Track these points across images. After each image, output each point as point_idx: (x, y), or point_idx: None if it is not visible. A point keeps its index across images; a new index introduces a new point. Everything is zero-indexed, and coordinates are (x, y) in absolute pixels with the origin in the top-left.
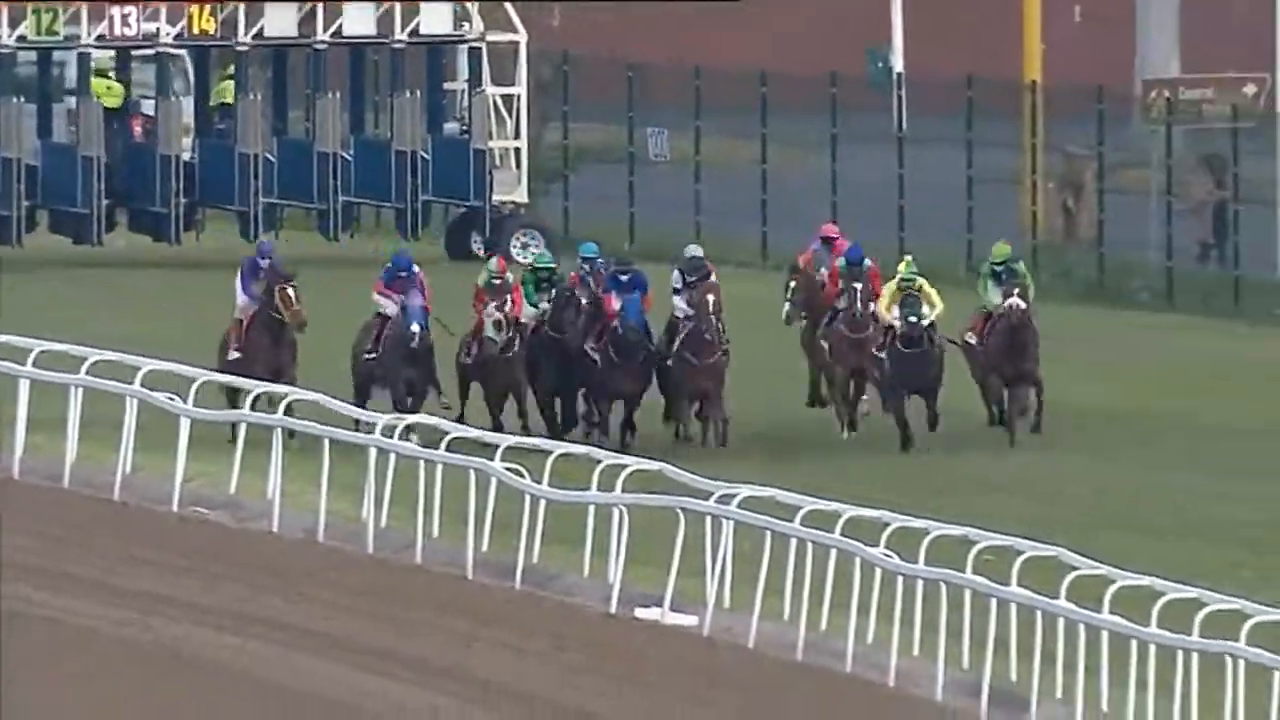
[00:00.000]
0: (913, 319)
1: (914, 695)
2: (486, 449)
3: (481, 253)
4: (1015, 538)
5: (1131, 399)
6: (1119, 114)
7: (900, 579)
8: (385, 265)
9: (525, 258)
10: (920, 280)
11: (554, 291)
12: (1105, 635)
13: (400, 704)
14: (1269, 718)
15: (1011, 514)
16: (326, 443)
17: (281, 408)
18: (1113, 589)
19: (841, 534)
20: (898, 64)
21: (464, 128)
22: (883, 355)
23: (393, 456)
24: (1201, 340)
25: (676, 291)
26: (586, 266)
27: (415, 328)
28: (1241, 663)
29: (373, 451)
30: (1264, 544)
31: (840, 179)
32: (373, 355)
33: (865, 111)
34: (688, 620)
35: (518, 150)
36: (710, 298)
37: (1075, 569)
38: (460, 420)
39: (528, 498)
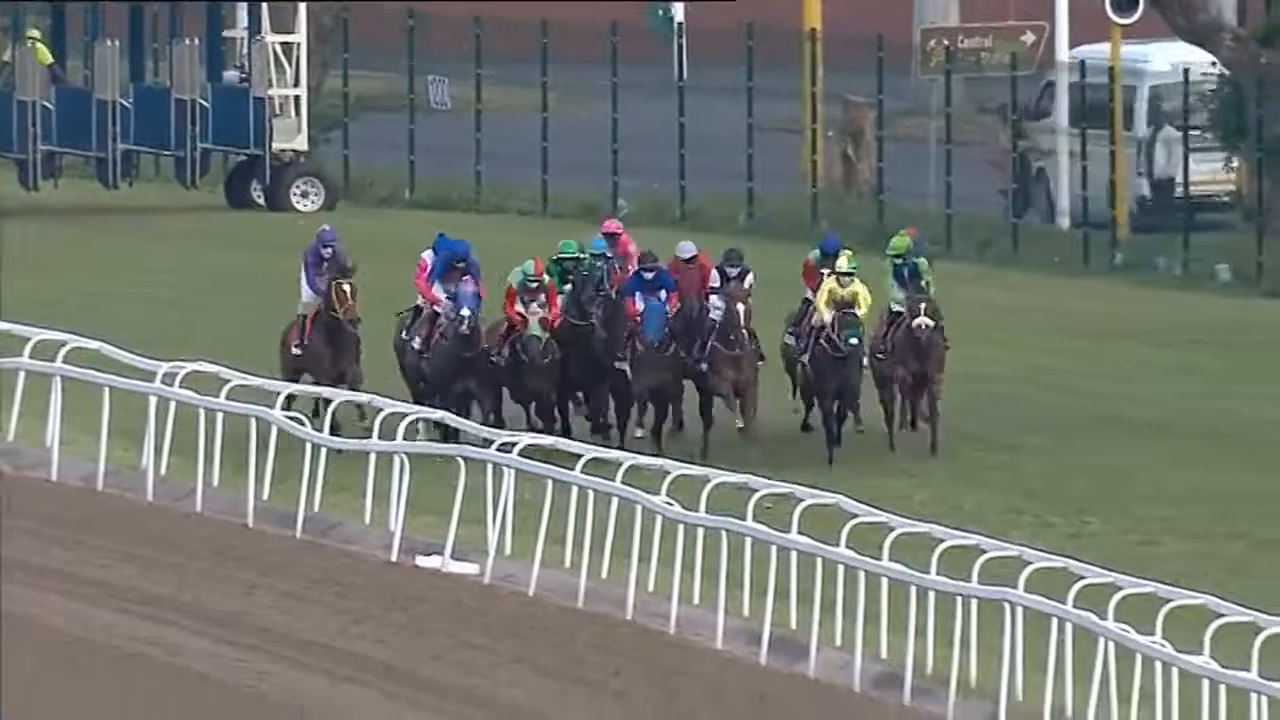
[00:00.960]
0: (853, 340)
1: (694, 643)
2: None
3: (262, 200)
4: (796, 485)
5: None
6: (898, 63)
7: (681, 527)
8: (432, 251)
9: (305, 206)
10: (856, 285)
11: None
12: (885, 582)
13: (180, 651)
14: (1047, 663)
15: (794, 461)
16: (107, 391)
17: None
18: (893, 536)
19: (622, 482)
20: (678, 13)
21: (243, 76)
22: (805, 360)
23: (173, 404)
24: (979, 290)
25: (714, 291)
26: (601, 264)
27: (466, 311)
28: (1020, 609)
29: (153, 400)
30: (1042, 493)
31: (621, 128)
32: (424, 354)
33: (646, 61)
34: (469, 568)
35: (297, 98)
36: (739, 306)
37: (855, 516)
38: (497, 423)
39: (308, 446)
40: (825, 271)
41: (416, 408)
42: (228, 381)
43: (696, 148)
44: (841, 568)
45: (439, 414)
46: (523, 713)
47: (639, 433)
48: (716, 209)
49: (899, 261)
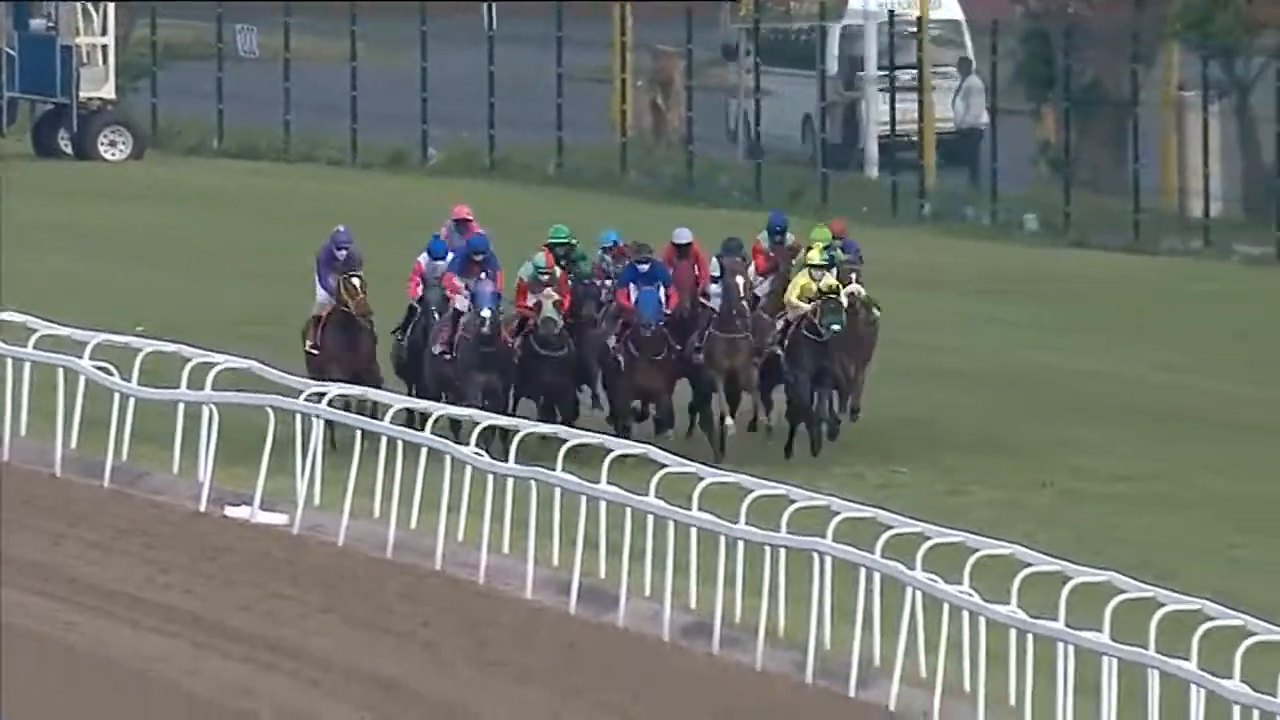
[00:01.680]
0: (835, 327)
1: (503, 592)
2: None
3: (69, 148)
4: (604, 435)
5: None
6: (708, 12)
7: (490, 477)
8: (428, 255)
9: (113, 155)
10: (830, 278)
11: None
12: (694, 532)
13: None
14: (855, 612)
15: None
16: None
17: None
18: (701, 486)
19: (432, 432)
20: None
21: (50, 24)
22: (777, 349)
23: None
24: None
25: (714, 279)
26: (609, 258)
27: (486, 312)
28: (828, 558)
29: None
30: (852, 444)
31: (430, 77)
32: (448, 356)
33: (456, 10)
34: (277, 518)
35: (105, 47)
36: (739, 279)
37: (664, 466)
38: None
39: (117, 396)
40: (770, 252)
41: (423, 404)
42: (35, 331)
43: (506, 97)
44: (651, 518)
45: (468, 411)
46: (332, 662)
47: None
48: (525, 158)
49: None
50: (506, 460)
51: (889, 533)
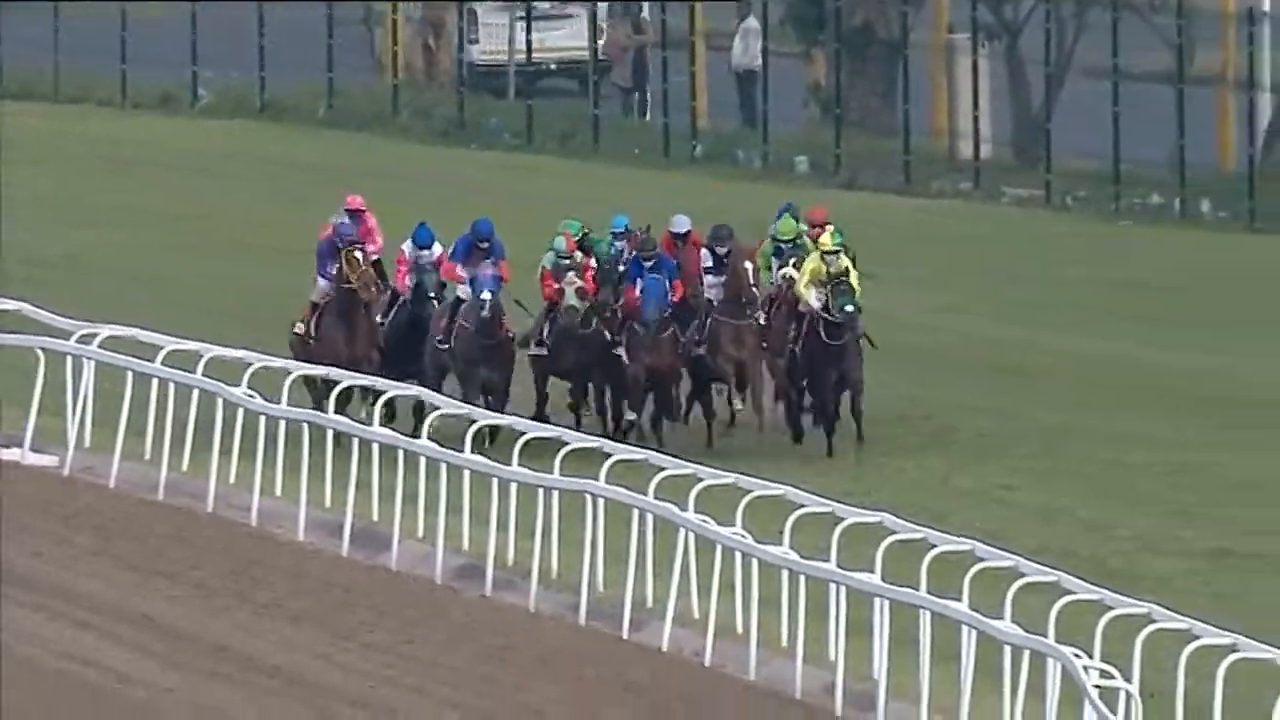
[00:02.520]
0: (848, 308)
1: (275, 535)
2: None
3: None
4: (375, 378)
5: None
6: None
7: (263, 419)
8: (412, 244)
9: None
10: (844, 260)
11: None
12: (467, 475)
13: None
14: (627, 554)
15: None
16: None
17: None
18: (474, 428)
19: (204, 374)
20: None
21: None
22: (795, 348)
23: None
24: (561, 184)
25: (709, 270)
26: (621, 244)
27: (486, 294)
28: (601, 500)
29: None
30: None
31: (200, 19)
32: (445, 345)
33: None
34: (48, 460)
35: None
36: (746, 264)
37: (437, 408)
38: (543, 418)
39: None
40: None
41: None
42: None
43: (276, 38)
44: (423, 460)
45: (466, 408)
46: (101, 604)
47: (630, 416)
48: (296, 99)
49: (786, 244)
50: (512, 464)
51: (661, 474)
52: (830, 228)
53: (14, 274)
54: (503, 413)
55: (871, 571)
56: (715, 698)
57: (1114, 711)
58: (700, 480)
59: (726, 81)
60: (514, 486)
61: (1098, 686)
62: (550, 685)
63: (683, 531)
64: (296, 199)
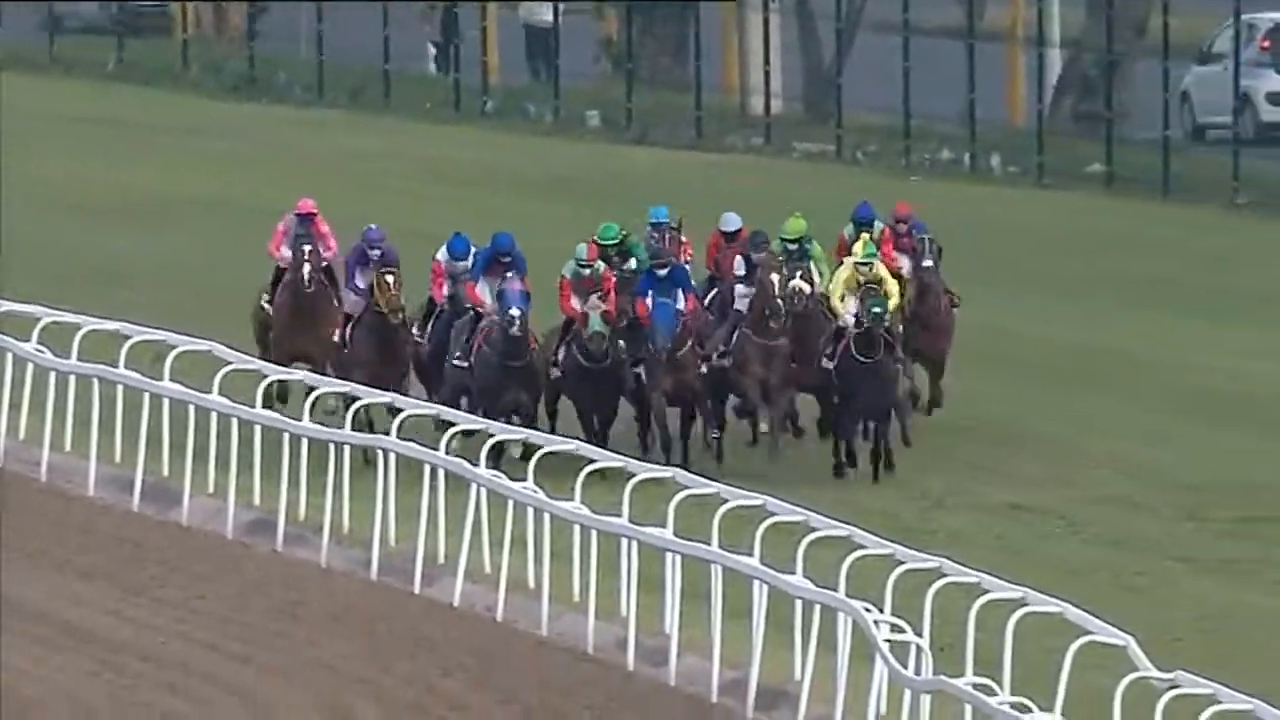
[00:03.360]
0: (877, 310)
1: (66, 490)
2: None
3: None
4: (168, 333)
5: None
6: None
7: (53, 374)
8: (447, 253)
9: None
10: (877, 263)
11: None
12: (259, 430)
13: None
14: (420, 510)
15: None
16: None
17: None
18: (264, 384)
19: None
20: None
21: None
22: (827, 363)
23: None
24: (352, 138)
25: (740, 279)
26: (656, 235)
27: (515, 311)
28: (393, 455)
29: None
30: None
31: None
32: (463, 364)
33: None
34: None
35: None
36: (774, 276)
37: (229, 364)
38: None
39: None
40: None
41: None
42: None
43: None
44: (214, 415)
45: (503, 427)
46: None
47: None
48: (85, 54)
49: (792, 246)
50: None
51: (453, 430)
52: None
53: None
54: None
55: (663, 526)
56: (507, 653)
57: (904, 665)
58: (491, 436)
59: (518, 37)
60: (305, 442)
61: (888, 640)
62: (342, 640)
63: (474, 487)
64: (87, 154)
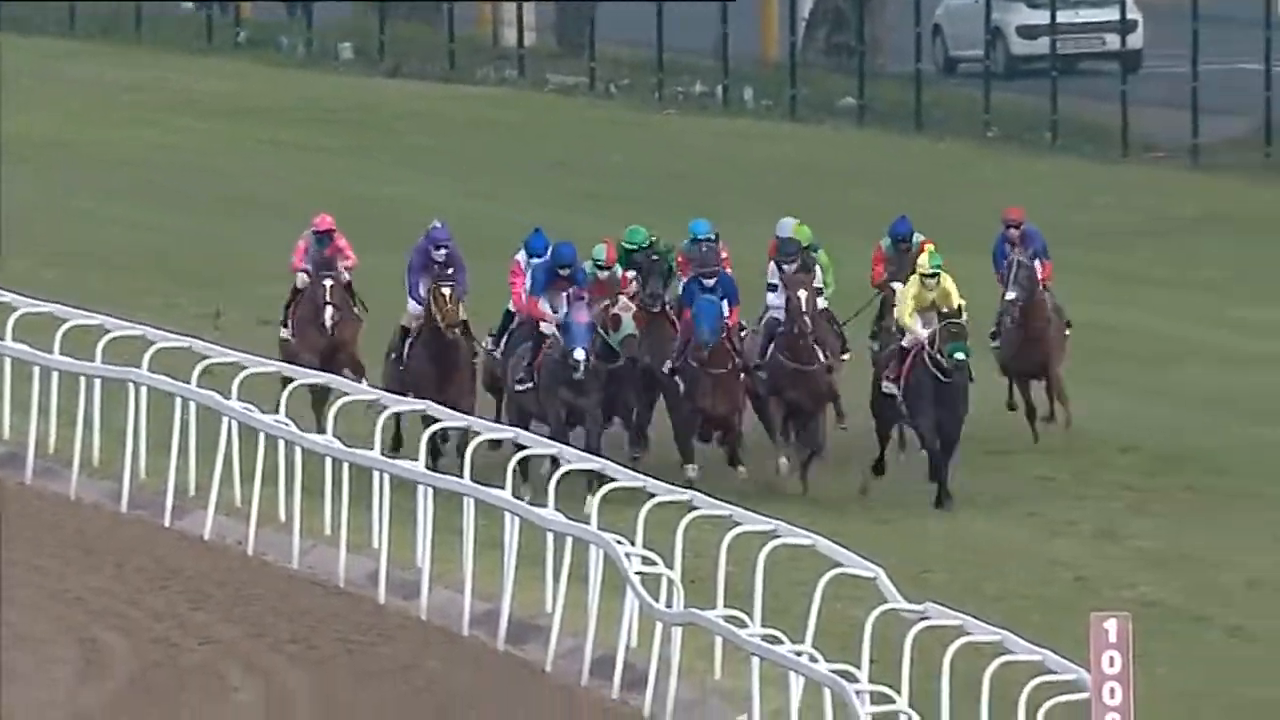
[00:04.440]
0: (959, 355)
1: None
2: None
3: None
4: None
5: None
6: None
7: None
8: (525, 253)
9: None
10: (944, 276)
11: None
12: (9, 362)
13: None
14: (171, 442)
15: None
16: None
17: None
18: (15, 316)
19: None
20: None
21: None
22: (891, 386)
23: None
24: (105, 69)
25: (772, 288)
26: (698, 250)
27: (580, 354)
28: (145, 388)
29: None
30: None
31: None
32: (525, 387)
33: None
34: None
35: None
36: (802, 292)
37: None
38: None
39: None
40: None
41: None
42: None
43: None
44: None
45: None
46: None
47: (691, 472)
48: None
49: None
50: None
51: (205, 362)
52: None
53: None
54: (598, 451)
55: (415, 460)
56: (258, 586)
57: (655, 597)
58: (245, 368)
59: None
60: (55, 374)
61: (639, 573)
62: (91, 573)
63: (226, 419)
64: None
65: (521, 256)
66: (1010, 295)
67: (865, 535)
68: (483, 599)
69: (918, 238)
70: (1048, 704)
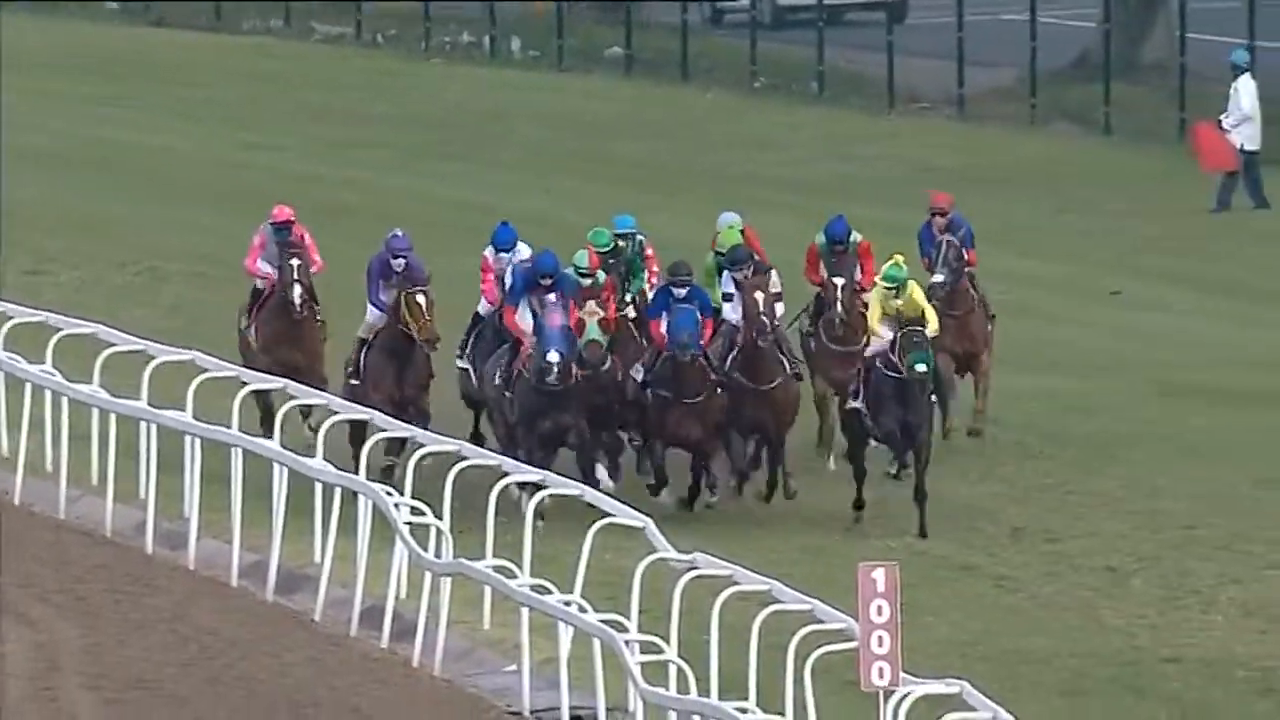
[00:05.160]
0: (920, 367)
1: None
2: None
3: None
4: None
5: None
6: None
7: None
8: (492, 248)
9: None
10: (912, 286)
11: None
12: None
13: None
14: None
15: None
16: None
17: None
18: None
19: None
20: None
21: None
22: (856, 402)
23: None
24: None
25: (728, 298)
26: (622, 243)
27: (554, 356)
28: None
29: None
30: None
31: None
32: (506, 393)
33: None
34: None
35: None
36: (758, 295)
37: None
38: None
39: None
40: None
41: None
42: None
43: None
44: None
45: (539, 474)
46: None
47: (665, 497)
48: None
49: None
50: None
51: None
52: (899, 257)
53: None
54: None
55: (182, 409)
56: (24, 536)
57: (425, 548)
58: (10, 319)
59: None
60: None
61: (409, 523)
62: None
63: None
64: None
65: (489, 251)
66: (938, 278)
67: (632, 486)
68: (251, 549)
69: (856, 238)
70: (816, 652)
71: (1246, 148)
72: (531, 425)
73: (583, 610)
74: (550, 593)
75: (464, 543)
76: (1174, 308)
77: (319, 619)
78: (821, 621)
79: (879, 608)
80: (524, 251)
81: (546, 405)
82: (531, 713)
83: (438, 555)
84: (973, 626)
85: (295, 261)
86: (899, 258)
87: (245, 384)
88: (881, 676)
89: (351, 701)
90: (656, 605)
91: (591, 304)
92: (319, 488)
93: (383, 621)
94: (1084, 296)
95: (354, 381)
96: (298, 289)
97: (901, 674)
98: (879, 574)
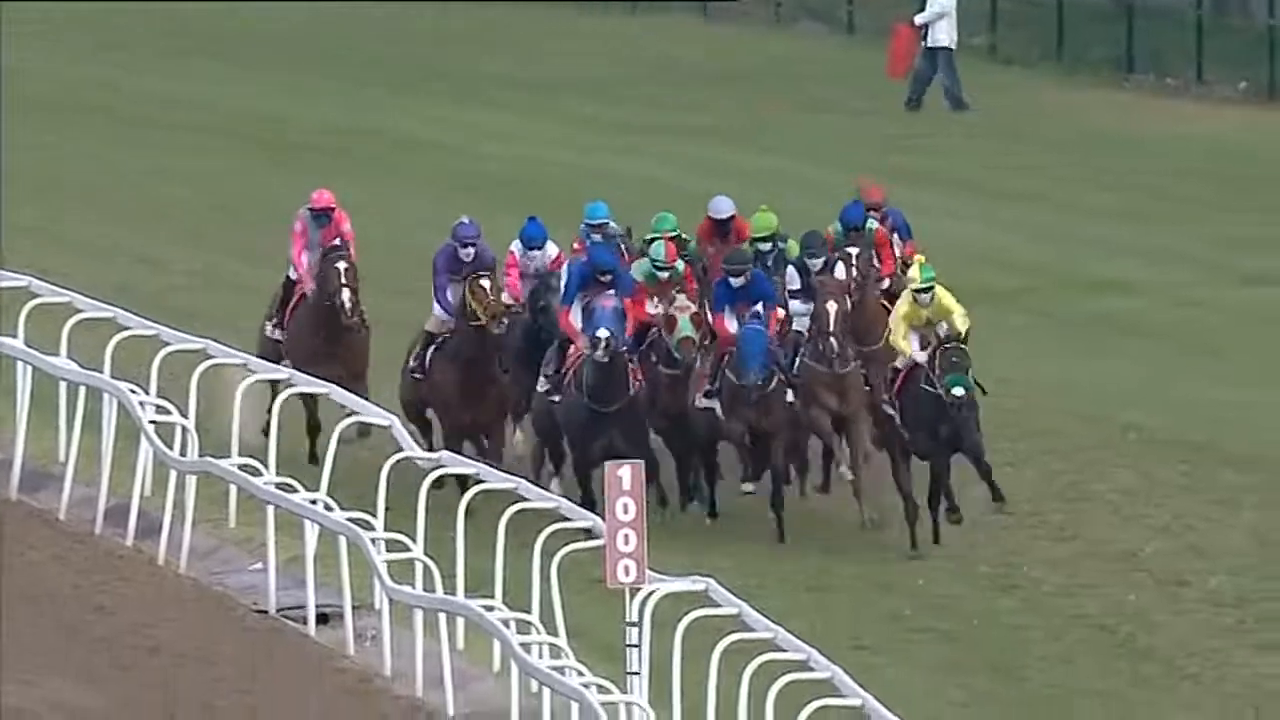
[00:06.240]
0: (958, 391)
1: None
2: None
3: None
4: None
5: None
6: None
7: None
8: (520, 244)
9: None
10: (944, 298)
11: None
12: None
13: None
14: None
15: None
16: None
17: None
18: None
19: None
20: None
21: None
22: (888, 406)
23: None
24: None
25: (794, 294)
26: (597, 237)
27: (603, 333)
28: None
29: None
30: None
31: None
32: (555, 398)
33: None
34: None
35: None
36: (831, 307)
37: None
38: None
39: None
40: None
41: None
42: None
43: None
44: None
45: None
46: None
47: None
48: None
49: (765, 247)
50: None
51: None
52: (920, 259)
53: None
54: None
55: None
56: None
57: (170, 446)
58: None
59: None
60: None
61: (154, 422)
62: None
63: None
64: None
65: (517, 247)
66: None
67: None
68: None
69: (873, 225)
70: (563, 550)
71: (943, 43)
72: (585, 444)
73: (329, 509)
74: (296, 490)
75: (209, 442)
76: (924, 209)
77: (64, 517)
78: (568, 519)
79: (625, 505)
80: (552, 250)
81: (602, 423)
82: (278, 610)
83: (183, 453)
84: (714, 524)
85: (342, 264)
86: (921, 259)
87: (36, 296)
88: (627, 574)
89: (96, 599)
90: (404, 504)
91: (682, 298)
92: (63, 386)
93: (128, 520)
94: (826, 196)
95: (416, 376)
96: (346, 293)
97: (648, 572)
98: (625, 472)
